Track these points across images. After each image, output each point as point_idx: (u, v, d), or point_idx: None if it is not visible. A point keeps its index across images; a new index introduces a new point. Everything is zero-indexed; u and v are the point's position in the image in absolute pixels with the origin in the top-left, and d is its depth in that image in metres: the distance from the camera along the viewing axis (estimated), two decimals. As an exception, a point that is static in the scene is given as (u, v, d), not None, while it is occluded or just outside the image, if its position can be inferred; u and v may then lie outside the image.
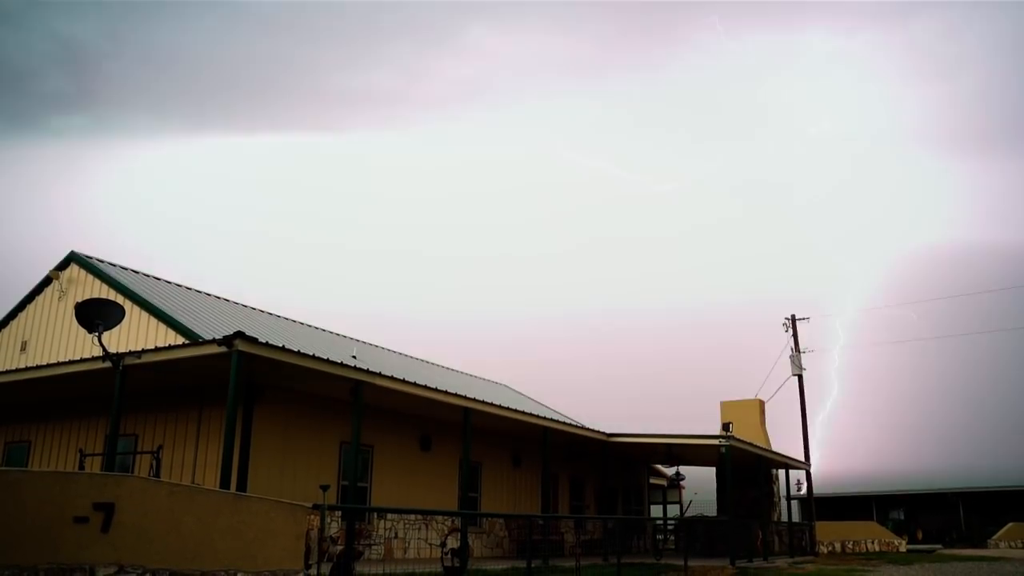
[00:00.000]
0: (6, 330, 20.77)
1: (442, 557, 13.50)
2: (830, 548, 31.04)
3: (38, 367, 15.41)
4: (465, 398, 17.82)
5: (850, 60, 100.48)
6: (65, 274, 19.88)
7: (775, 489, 30.80)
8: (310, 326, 24.87)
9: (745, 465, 27.07)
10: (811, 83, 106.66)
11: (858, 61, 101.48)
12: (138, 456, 15.65)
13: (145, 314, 17.51)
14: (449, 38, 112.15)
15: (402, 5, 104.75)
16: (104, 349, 12.58)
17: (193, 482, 14.56)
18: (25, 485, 7.95)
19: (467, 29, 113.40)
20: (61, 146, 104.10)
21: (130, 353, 13.34)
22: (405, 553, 17.83)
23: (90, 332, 12.29)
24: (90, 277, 19.34)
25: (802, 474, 32.45)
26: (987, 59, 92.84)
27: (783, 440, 34.53)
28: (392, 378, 15.59)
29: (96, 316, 12.26)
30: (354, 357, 18.54)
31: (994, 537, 39.75)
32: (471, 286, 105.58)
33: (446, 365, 30.75)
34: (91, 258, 19.83)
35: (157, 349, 13.61)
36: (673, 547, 25.55)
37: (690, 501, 32.74)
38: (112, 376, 13.15)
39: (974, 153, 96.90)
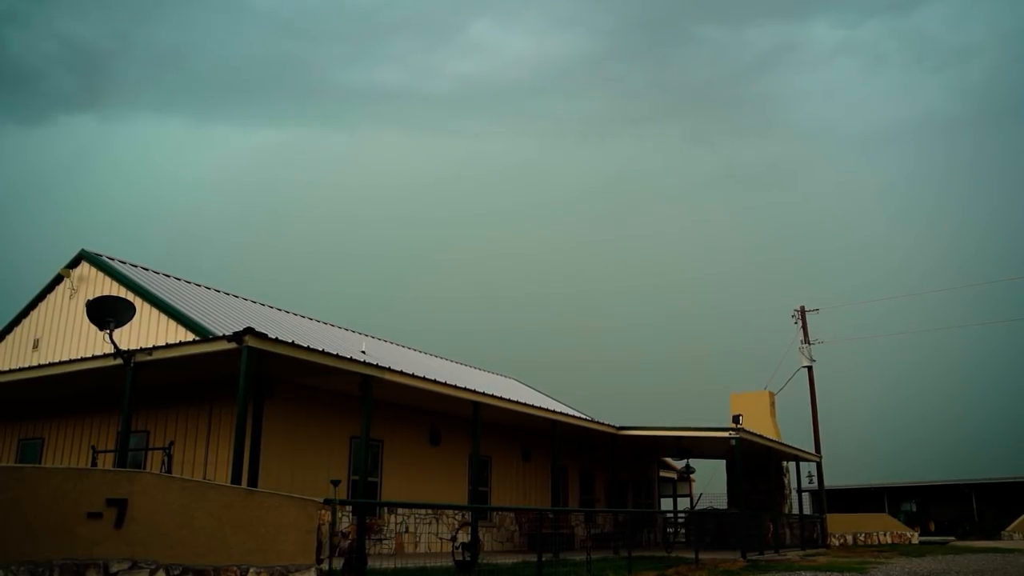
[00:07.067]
0: (18, 328, 20.91)
1: (453, 551, 13.54)
2: (842, 540, 30.95)
3: (50, 364, 15.51)
4: (474, 392, 17.84)
5: (856, 50, 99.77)
6: (76, 272, 19.99)
7: (786, 481, 30.75)
8: (319, 322, 24.95)
9: (755, 457, 27.02)
10: (817, 74, 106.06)
11: (864, 51, 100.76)
12: (150, 452, 15.73)
13: (156, 311, 17.60)
14: (453, 34, 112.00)
15: (405, 1, 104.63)
16: (115, 346, 12.65)
17: (205, 478, 14.65)
18: (39, 481, 8.01)
19: (471, 25, 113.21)
20: (69, 144, 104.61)
21: (141, 350, 13.42)
22: (416, 547, 17.91)
23: (101, 329, 12.37)
24: (101, 275, 19.44)
25: (813, 466, 32.38)
26: (994, 47, 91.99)
27: (794, 432, 34.46)
28: (401, 373, 15.62)
29: (107, 313, 12.34)
30: (363, 352, 18.59)
31: (1008, 528, 39.53)
32: (478, 280, 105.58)
33: (455, 359, 30.81)
34: (101, 256, 19.93)
35: (168, 346, 13.67)
36: (683, 540, 25.54)
37: (700, 494, 32.76)
38: (123, 373, 13.23)
39: (981, 141, 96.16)
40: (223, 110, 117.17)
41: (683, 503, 35.23)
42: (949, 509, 49.38)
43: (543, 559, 12.22)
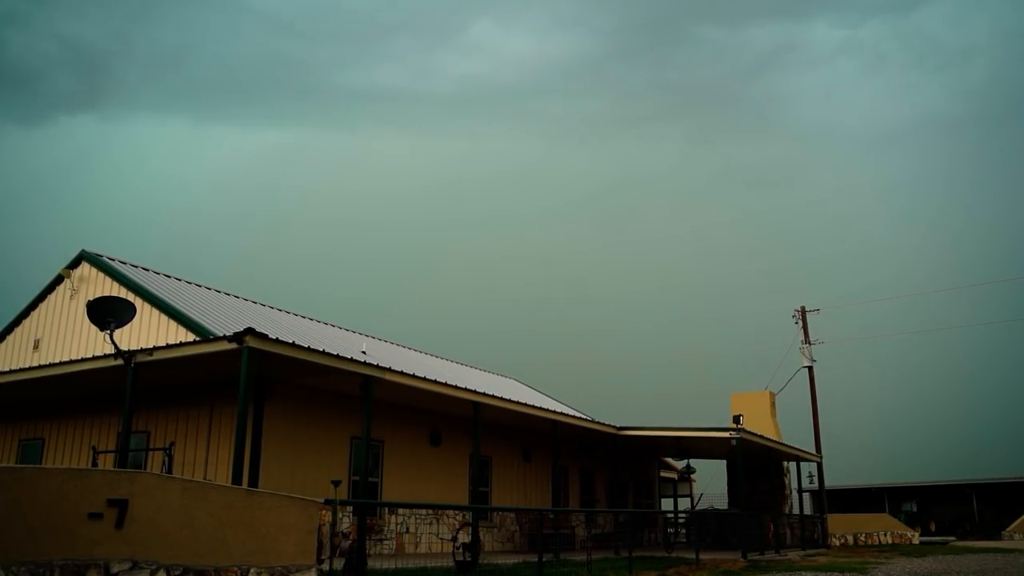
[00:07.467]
0: (19, 329, 20.91)
1: (453, 551, 13.54)
2: (842, 540, 30.95)
3: (51, 365, 15.51)
4: (475, 392, 17.84)
5: (857, 50, 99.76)
6: (76, 272, 19.99)
7: (786, 481, 30.74)
8: (320, 322, 24.95)
9: (756, 457, 27.02)
10: (818, 74, 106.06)
11: (864, 51, 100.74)
12: (150, 452, 15.74)
13: (156, 311, 17.60)
14: (453, 35, 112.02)
15: (405, 2, 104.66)
16: (116, 347, 12.66)
17: (205, 478, 14.65)
18: (40, 482, 8.00)
19: (471, 25, 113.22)
20: (69, 144, 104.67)
21: (142, 350, 13.41)
22: (416, 547, 17.90)
23: (102, 330, 12.37)
24: (101, 275, 19.44)
25: (813, 466, 32.35)
26: (994, 47, 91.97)
27: (794, 432, 34.49)
28: (402, 373, 15.62)
29: (108, 314, 12.34)
30: (364, 352, 18.58)
31: (1008, 528, 39.52)
32: (478, 281, 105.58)
33: (455, 359, 30.81)
34: (102, 256, 19.93)
35: (168, 346, 13.67)
36: (684, 540, 25.53)
37: (701, 494, 32.75)
38: (124, 373, 13.23)
39: (982, 141, 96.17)
40: (223, 110, 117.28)
41: (684, 503, 35.24)
42: (950, 509, 49.37)
43: (544, 559, 12.21)
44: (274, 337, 12.81)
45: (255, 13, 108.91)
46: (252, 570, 8.69)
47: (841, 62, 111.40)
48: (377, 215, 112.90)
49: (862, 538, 32.26)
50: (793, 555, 22.51)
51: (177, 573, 8.26)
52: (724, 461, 30.40)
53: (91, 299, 14.13)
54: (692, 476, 34.28)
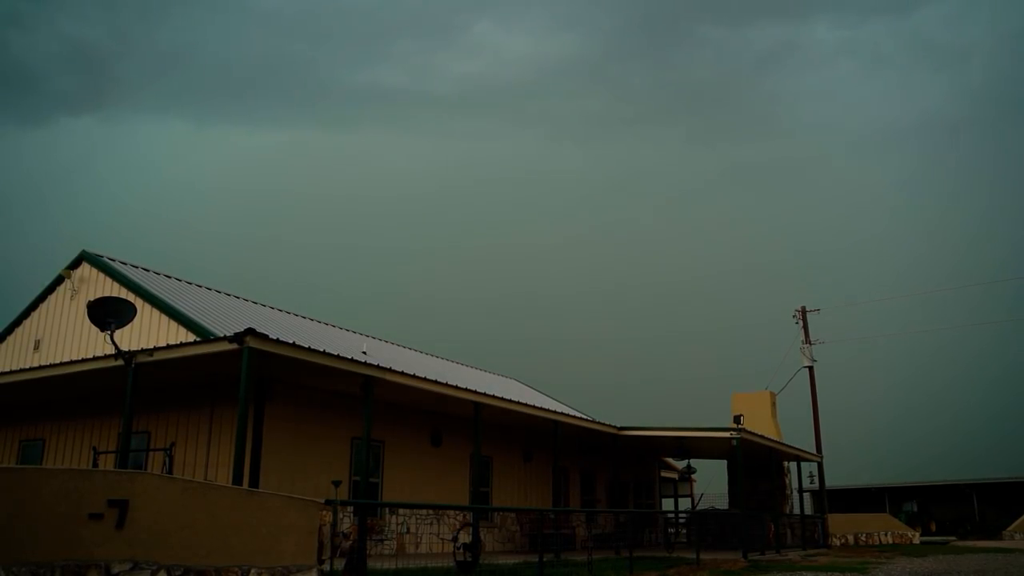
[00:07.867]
0: (19, 329, 20.90)
1: (454, 551, 13.54)
2: (843, 540, 30.94)
3: (51, 365, 15.50)
4: (475, 392, 17.83)
5: (856, 50, 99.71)
6: (77, 273, 19.99)
7: (787, 481, 30.74)
8: (320, 322, 24.94)
9: (757, 457, 27.01)
10: (818, 74, 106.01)
11: (864, 52, 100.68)
12: (151, 453, 15.73)
13: (157, 312, 17.59)
14: (455, 35, 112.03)
15: (407, 2, 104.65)
16: (116, 347, 12.66)
17: (206, 478, 14.64)
18: (41, 482, 8.00)
19: (472, 26, 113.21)
20: (70, 145, 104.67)
21: (142, 351, 13.41)
22: (417, 548, 17.90)
23: (102, 330, 12.38)
24: (102, 276, 19.43)
25: (814, 466, 32.33)
26: (994, 47, 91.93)
27: (795, 432, 34.49)
28: (403, 373, 15.61)
29: (108, 314, 12.36)
30: (364, 353, 18.57)
31: (1008, 528, 39.52)
32: (478, 280, 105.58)
33: (456, 360, 30.81)
34: (102, 256, 19.93)
35: (169, 347, 13.66)
36: (685, 540, 25.53)
37: (701, 494, 32.75)
38: (124, 374, 13.23)
39: (981, 141, 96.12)
40: (225, 111, 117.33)
41: (684, 503, 35.23)
42: (950, 509, 49.38)
43: (544, 559, 12.20)
44: (274, 337, 12.80)
45: (257, 13, 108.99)
46: (253, 570, 8.68)
47: (841, 62, 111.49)
48: (378, 215, 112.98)
49: (863, 538, 32.24)
50: (794, 555, 22.50)
51: (178, 573, 8.26)
52: (724, 461, 30.40)
53: (91, 299, 14.13)
54: (693, 476, 34.30)
